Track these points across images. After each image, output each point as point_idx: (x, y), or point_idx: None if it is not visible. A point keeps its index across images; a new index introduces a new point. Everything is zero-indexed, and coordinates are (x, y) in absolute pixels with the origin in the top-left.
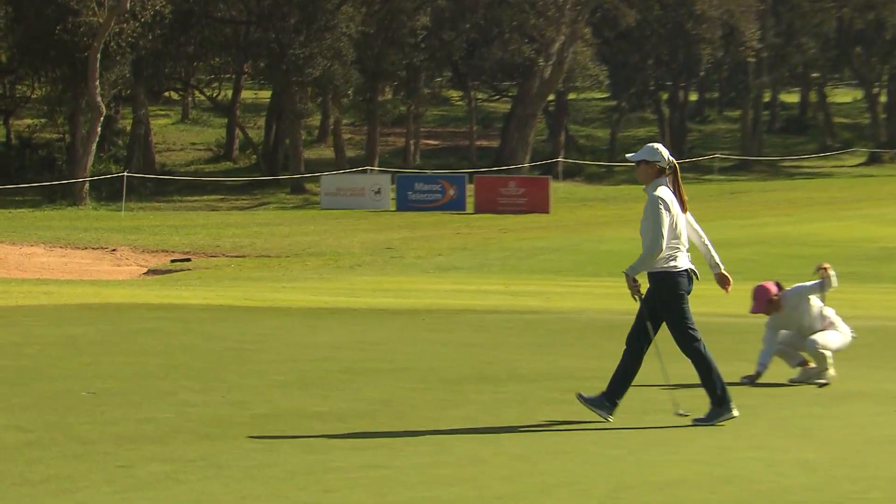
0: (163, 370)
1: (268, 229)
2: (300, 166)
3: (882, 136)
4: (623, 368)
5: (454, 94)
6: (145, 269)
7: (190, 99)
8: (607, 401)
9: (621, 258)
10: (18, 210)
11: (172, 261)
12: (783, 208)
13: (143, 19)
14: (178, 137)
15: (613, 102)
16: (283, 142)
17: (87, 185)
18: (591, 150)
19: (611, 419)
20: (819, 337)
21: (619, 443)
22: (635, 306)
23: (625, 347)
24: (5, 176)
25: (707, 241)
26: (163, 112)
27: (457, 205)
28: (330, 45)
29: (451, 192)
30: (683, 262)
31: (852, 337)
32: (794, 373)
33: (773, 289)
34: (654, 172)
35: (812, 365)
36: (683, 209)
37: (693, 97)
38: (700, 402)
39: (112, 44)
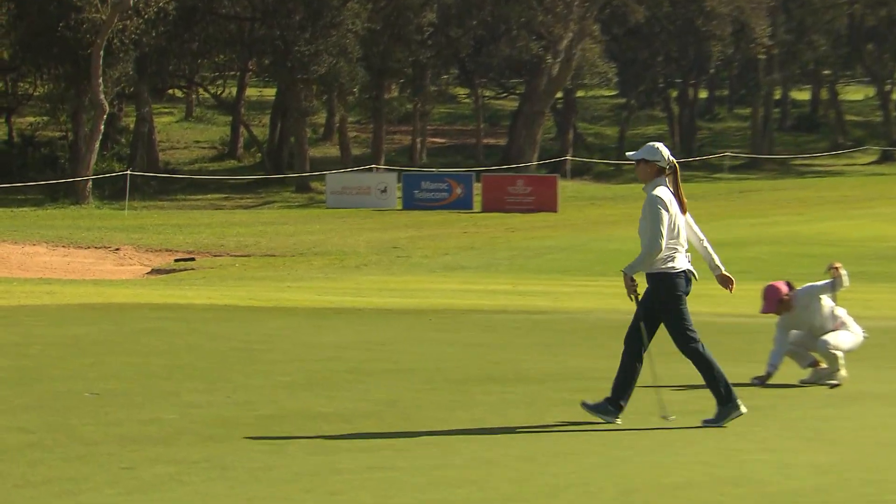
0: (166, 371)
1: (273, 228)
2: (305, 165)
3: (894, 134)
4: (624, 370)
5: (461, 91)
6: (149, 269)
7: (194, 96)
8: (611, 405)
9: (630, 257)
10: (21, 209)
11: (176, 260)
12: (794, 207)
13: (146, 16)
14: (181, 135)
15: (622, 100)
16: (288, 140)
17: (90, 183)
18: (599, 148)
19: (619, 421)
20: (830, 337)
21: (628, 444)
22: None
23: (623, 348)
24: (7, 174)
25: (706, 244)
26: (166, 110)
27: (464, 203)
28: (335, 41)
29: (458, 190)
30: (681, 262)
31: (864, 337)
32: (805, 373)
33: (784, 288)
34: (653, 172)
35: (823, 365)
36: (682, 210)
37: (703, 94)
38: (707, 403)
39: (115, 41)
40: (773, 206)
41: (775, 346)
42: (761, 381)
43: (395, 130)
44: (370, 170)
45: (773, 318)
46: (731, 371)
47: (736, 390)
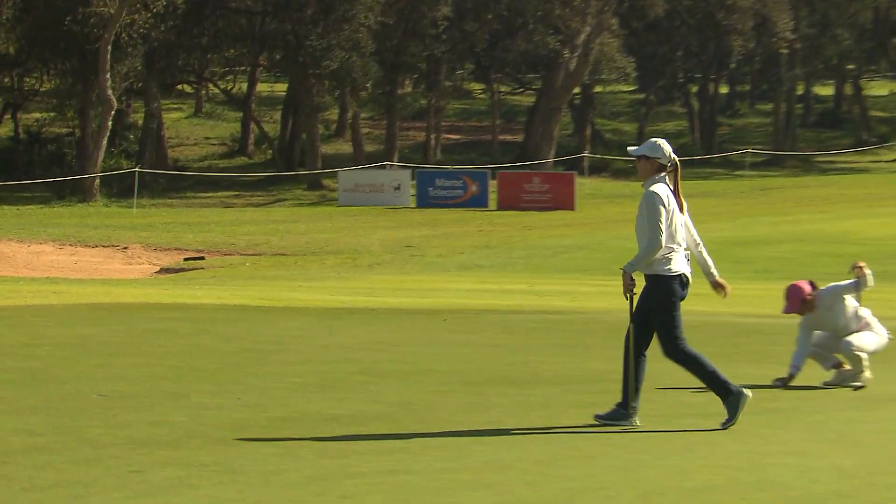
0: (176, 372)
1: (284, 227)
2: (317, 162)
3: None
4: (628, 371)
5: (476, 86)
6: (157, 268)
7: (203, 92)
8: (623, 409)
9: None
10: (27, 207)
11: (185, 259)
12: (817, 205)
13: (155, 10)
14: (191, 132)
15: (641, 95)
16: (299, 136)
17: (98, 181)
18: (617, 144)
19: (637, 423)
20: (854, 338)
21: (647, 447)
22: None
23: (624, 350)
24: (13, 171)
25: (702, 247)
26: (175, 106)
27: (479, 201)
28: (348, 36)
29: (473, 188)
30: (678, 264)
31: (889, 338)
32: (829, 375)
33: (807, 288)
34: (653, 168)
35: (847, 367)
36: (680, 209)
37: (724, 90)
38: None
39: (123, 35)
40: (796, 203)
41: (798, 348)
42: (783, 383)
43: (409, 127)
44: (383, 167)
45: (795, 319)
46: (753, 373)
47: (757, 392)
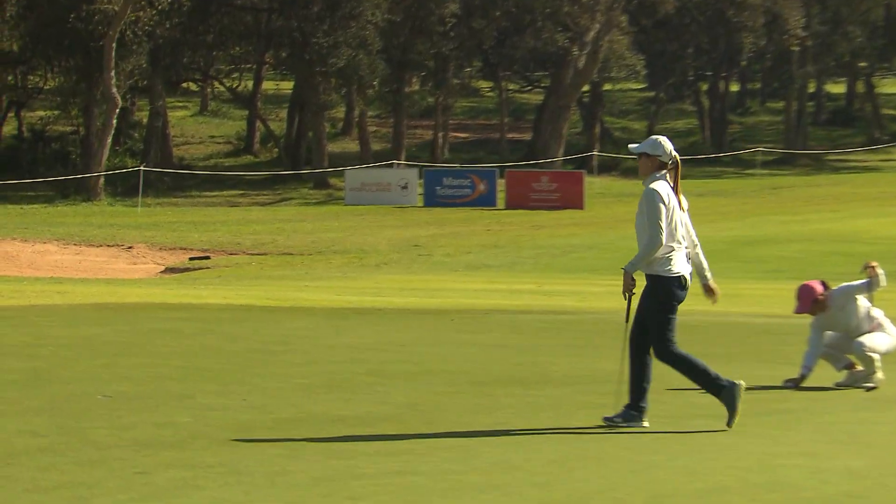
0: (181, 373)
1: (290, 226)
2: (324, 160)
3: None
4: (634, 371)
5: (484, 84)
6: (162, 268)
7: (209, 90)
8: (633, 410)
9: None
10: (31, 206)
11: (191, 259)
12: (829, 204)
13: (160, 7)
14: (196, 130)
15: (651, 93)
16: (305, 135)
17: (102, 179)
18: (627, 143)
19: (646, 424)
20: (867, 339)
21: (658, 449)
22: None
23: (629, 351)
24: (17, 170)
25: (699, 248)
26: (181, 104)
27: (487, 200)
28: (355, 33)
29: (481, 187)
30: (678, 265)
31: None
32: (841, 376)
33: (819, 288)
34: (654, 166)
35: (859, 368)
36: (680, 207)
37: (734, 88)
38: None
39: (128, 32)
40: (807, 203)
41: (809, 348)
42: (795, 384)
43: (417, 125)
44: (390, 166)
45: (806, 319)
46: (764, 374)
47: (768, 393)
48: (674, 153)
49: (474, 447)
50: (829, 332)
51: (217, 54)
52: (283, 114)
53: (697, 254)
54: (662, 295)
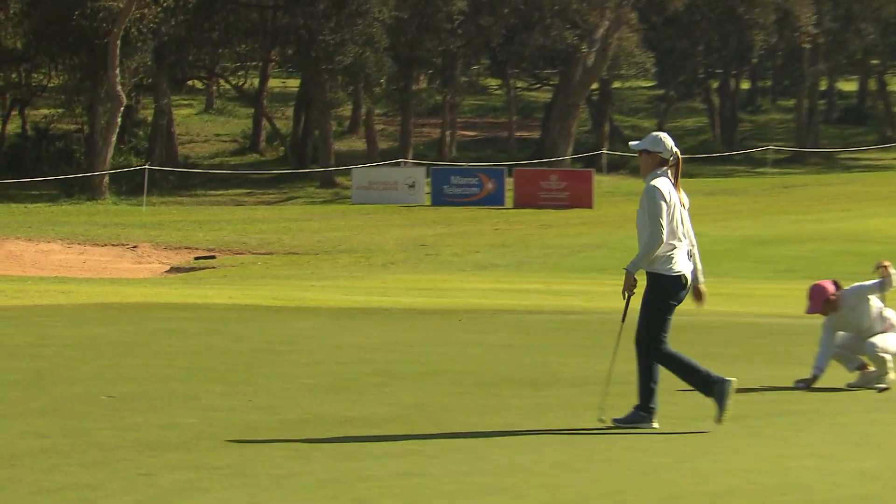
0: (186, 373)
1: (296, 225)
2: (330, 159)
3: None
4: (643, 372)
5: (492, 82)
6: (167, 267)
7: (214, 88)
8: (642, 411)
9: None
10: (35, 205)
11: (196, 258)
12: (840, 203)
13: (165, 4)
14: (201, 128)
15: (661, 91)
16: (312, 133)
17: (107, 178)
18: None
19: (656, 425)
20: (879, 339)
21: (667, 451)
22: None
23: (636, 352)
24: (21, 169)
25: (696, 249)
26: (186, 102)
27: (495, 199)
28: (362, 30)
29: (489, 185)
30: (679, 264)
31: None
32: (852, 377)
33: (831, 288)
34: (655, 163)
35: (871, 368)
36: (681, 204)
37: (745, 86)
38: (746, 407)
39: (133, 30)
40: (819, 201)
41: (821, 349)
42: (806, 385)
43: (424, 123)
44: (398, 164)
45: (818, 319)
46: (775, 374)
47: (779, 394)
48: (675, 149)
49: (482, 448)
50: (841, 333)
51: (223, 52)
52: (290, 112)
53: (694, 255)
54: (663, 293)
